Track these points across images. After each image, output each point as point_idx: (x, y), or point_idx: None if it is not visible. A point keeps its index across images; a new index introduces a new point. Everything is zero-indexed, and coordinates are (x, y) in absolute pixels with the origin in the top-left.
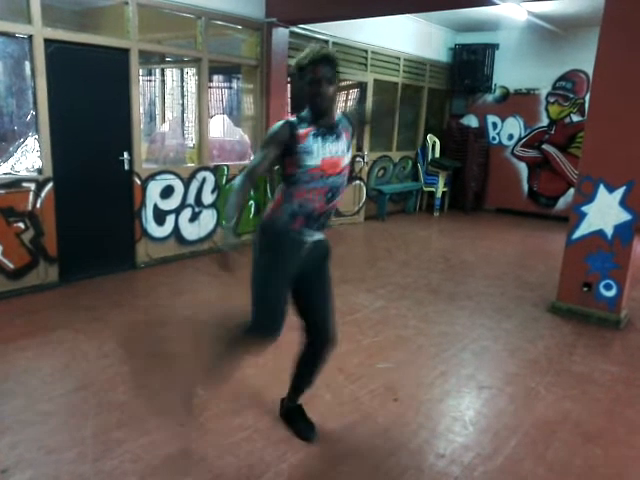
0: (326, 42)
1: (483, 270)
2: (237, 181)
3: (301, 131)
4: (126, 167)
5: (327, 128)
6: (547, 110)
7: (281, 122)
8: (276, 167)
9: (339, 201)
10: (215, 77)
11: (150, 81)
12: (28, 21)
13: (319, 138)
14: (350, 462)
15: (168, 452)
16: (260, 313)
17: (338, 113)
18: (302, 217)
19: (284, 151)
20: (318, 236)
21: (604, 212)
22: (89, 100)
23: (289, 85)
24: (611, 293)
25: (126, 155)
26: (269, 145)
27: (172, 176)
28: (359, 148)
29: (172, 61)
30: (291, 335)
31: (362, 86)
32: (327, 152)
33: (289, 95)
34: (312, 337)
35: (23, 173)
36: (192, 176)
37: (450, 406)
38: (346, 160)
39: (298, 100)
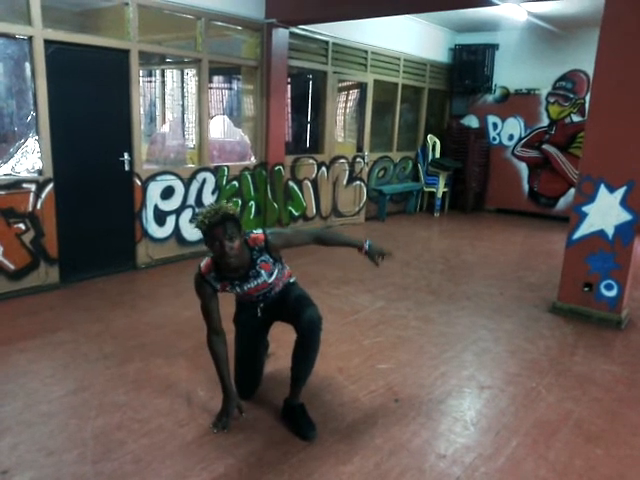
0: (326, 42)
1: (483, 270)
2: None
3: (218, 286)
4: (126, 168)
5: (241, 278)
6: (547, 110)
7: (198, 279)
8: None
9: (279, 286)
10: (215, 78)
11: (150, 82)
12: (28, 22)
13: (236, 287)
14: (351, 462)
15: (168, 453)
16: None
17: (259, 242)
18: (249, 305)
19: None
20: (268, 299)
21: (605, 212)
22: (89, 101)
23: (289, 86)
24: (612, 293)
25: (126, 156)
26: (204, 300)
27: (172, 177)
28: (359, 149)
29: (172, 62)
30: (291, 337)
31: (362, 87)
32: (247, 288)
33: (289, 96)
34: (297, 325)
35: (23, 174)
36: (192, 177)
37: (451, 406)
38: (271, 281)
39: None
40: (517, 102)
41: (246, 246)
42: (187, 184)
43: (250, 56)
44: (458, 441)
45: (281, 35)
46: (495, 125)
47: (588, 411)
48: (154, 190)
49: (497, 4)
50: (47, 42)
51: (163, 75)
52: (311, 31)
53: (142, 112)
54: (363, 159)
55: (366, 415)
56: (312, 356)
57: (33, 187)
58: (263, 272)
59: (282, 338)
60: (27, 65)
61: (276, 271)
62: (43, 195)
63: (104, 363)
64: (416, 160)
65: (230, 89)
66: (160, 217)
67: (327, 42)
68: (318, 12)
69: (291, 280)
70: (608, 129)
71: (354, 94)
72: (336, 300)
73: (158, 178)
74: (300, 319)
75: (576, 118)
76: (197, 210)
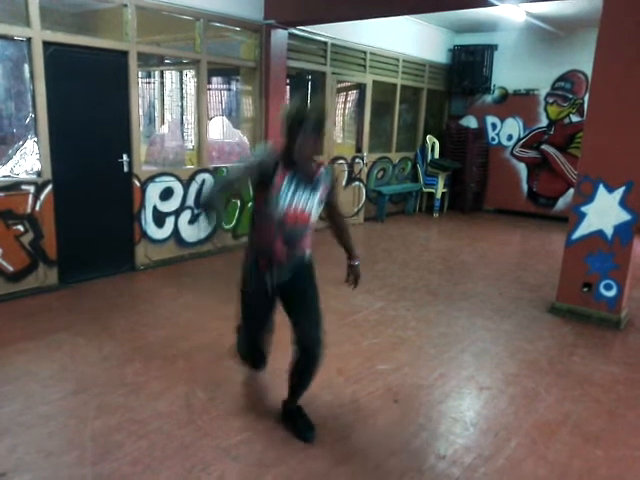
0: (325, 43)
1: (482, 271)
2: (207, 192)
3: (278, 172)
4: (125, 169)
5: (304, 177)
6: (546, 110)
7: (268, 152)
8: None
9: (303, 246)
10: (214, 79)
11: (149, 83)
12: (27, 24)
13: (292, 185)
14: (350, 463)
15: (167, 455)
16: (242, 340)
17: (326, 167)
18: (265, 256)
19: (259, 182)
20: (287, 267)
21: (604, 212)
22: (88, 102)
23: (288, 87)
24: (611, 293)
25: (125, 157)
26: (252, 170)
27: (171, 178)
28: (358, 149)
29: (171, 63)
30: (289, 336)
31: (361, 87)
32: (295, 201)
33: (288, 97)
34: (297, 346)
35: (22, 176)
36: (191, 178)
37: (450, 407)
38: (313, 215)
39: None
40: (516, 102)
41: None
42: (186, 185)
43: (249, 57)
44: (457, 442)
45: (280, 36)
46: (494, 125)
47: (587, 412)
48: (153, 191)
49: (496, 5)
50: (46, 43)
51: (162, 76)
52: (310, 32)
53: (141, 113)
54: (362, 160)
55: (365, 416)
56: (311, 375)
57: (32, 189)
58: (319, 192)
59: (280, 338)
60: (26, 67)
61: (320, 208)
62: (42, 197)
63: (103, 364)
64: (415, 161)
65: (229, 90)
66: (159, 218)
67: (326, 43)
68: (317, 13)
69: (308, 253)
70: (607, 129)
71: (353, 95)
72: (335, 301)
73: (157, 179)
74: (306, 338)
75: (575, 118)
76: (196, 211)
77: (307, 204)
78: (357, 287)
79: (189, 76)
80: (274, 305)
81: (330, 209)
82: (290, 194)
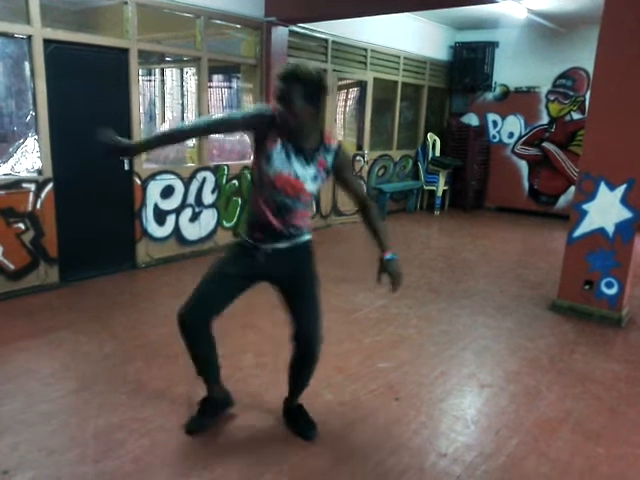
0: (326, 41)
1: (484, 269)
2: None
3: (273, 136)
4: (126, 167)
5: (298, 147)
6: (547, 108)
7: (264, 110)
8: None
9: (297, 221)
10: (215, 77)
11: (150, 81)
12: (27, 21)
13: (283, 152)
14: (351, 461)
15: (169, 452)
16: (189, 297)
17: (334, 143)
18: (258, 228)
19: (254, 139)
20: (282, 245)
21: (605, 210)
22: (89, 100)
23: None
24: (612, 291)
25: None
26: (245, 121)
27: (172, 176)
28: (359, 147)
29: (172, 61)
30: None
31: (362, 85)
32: (286, 169)
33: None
34: (295, 340)
35: (23, 174)
36: (192, 176)
37: (451, 405)
38: (307, 188)
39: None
40: (517, 100)
41: (319, 135)
42: (187, 183)
43: (249, 54)
44: (459, 440)
45: (280, 33)
46: (495, 123)
47: (588, 409)
48: (154, 189)
49: (497, 1)
50: (46, 41)
51: (162, 74)
52: (310, 29)
53: (142, 111)
54: (363, 157)
55: (366, 414)
56: (309, 369)
57: (33, 187)
58: (314, 167)
59: (281, 336)
60: (26, 64)
61: (320, 183)
62: (43, 195)
63: (104, 363)
64: (416, 158)
65: (230, 88)
66: (160, 216)
67: (326, 40)
68: (317, 10)
69: (307, 237)
70: (608, 127)
71: (354, 92)
72: (336, 298)
73: (158, 177)
74: (303, 329)
75: (576, 116)
76: (197, 209)
77: (299, 175)
78: (397, 290)
79: (190, 74)
80: (244, 287)
81: (347, 192)
82: (279, 161)
